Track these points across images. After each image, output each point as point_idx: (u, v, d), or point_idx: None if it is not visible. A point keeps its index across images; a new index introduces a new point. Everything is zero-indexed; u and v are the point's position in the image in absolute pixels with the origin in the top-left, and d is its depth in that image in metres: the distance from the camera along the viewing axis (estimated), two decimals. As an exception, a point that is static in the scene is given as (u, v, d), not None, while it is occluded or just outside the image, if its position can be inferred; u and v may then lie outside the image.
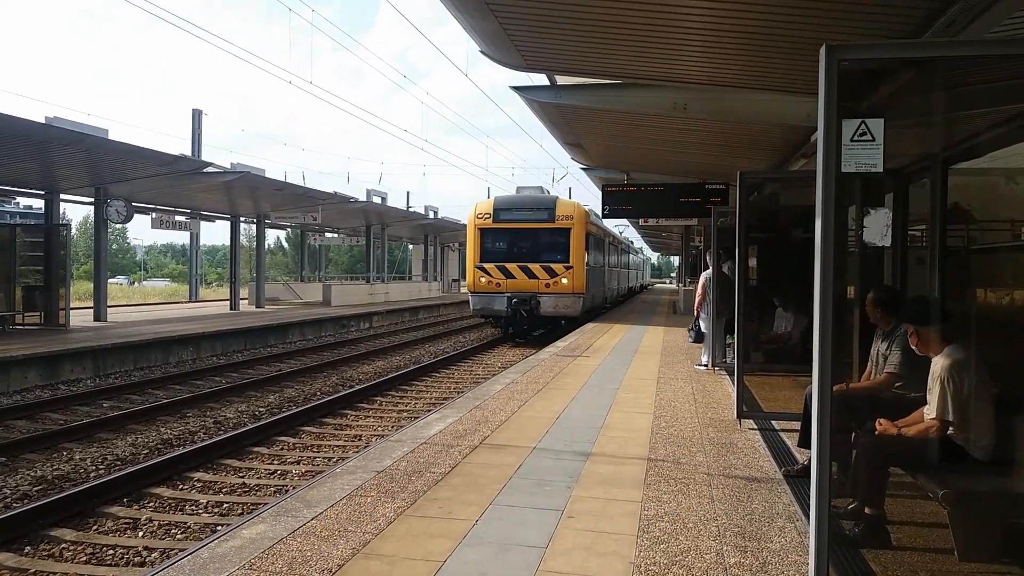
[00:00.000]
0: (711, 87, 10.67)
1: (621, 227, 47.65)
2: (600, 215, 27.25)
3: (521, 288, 22.07)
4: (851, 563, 4.19)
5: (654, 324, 22.10)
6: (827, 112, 3.50)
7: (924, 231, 6.44)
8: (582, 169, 22.86)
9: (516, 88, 12.58)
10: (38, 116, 23.25)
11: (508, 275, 22.35)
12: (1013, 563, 4.15)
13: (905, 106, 5.74)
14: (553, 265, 22.26)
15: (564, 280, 22.04)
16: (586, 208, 24.24)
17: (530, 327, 23.60)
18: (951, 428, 4.47)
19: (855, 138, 3.63)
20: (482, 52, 9.41)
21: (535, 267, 22.32)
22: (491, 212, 23.05)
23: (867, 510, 4.57)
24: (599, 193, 19.45)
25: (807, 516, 4.14)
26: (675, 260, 76.84)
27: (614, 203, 18.96)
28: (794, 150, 13.43)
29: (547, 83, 12.36)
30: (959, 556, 4.15)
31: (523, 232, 22.95)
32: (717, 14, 7.11)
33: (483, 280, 22.54)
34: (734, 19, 7.10)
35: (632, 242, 56.87)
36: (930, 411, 4.59)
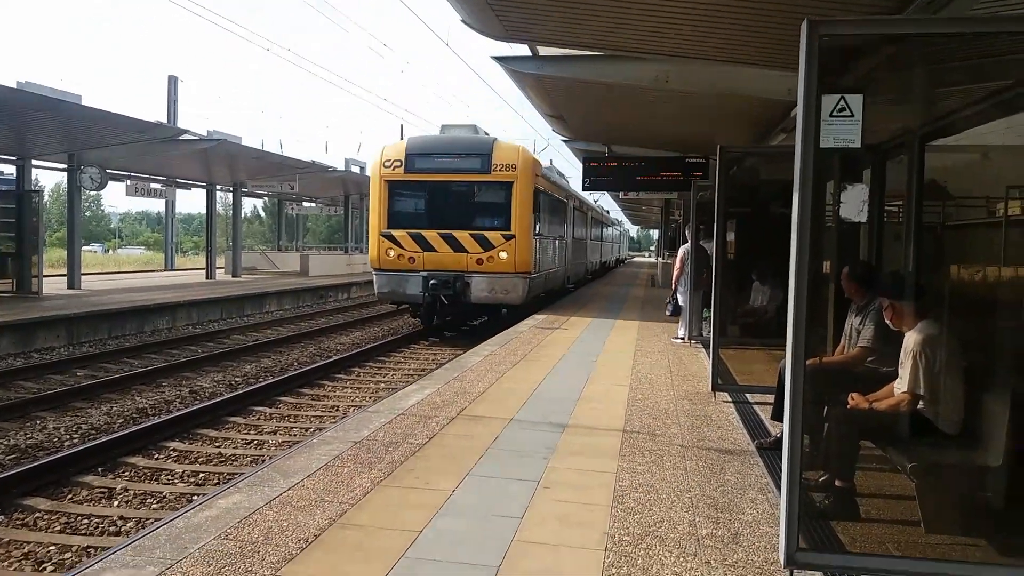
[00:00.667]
0: (693, 60, 10.64)
1: (596, 194, 41.04)
2: (558, 171, 23.71)
3: (444, 265, 16.21)
4: (821, 534, 4.26)
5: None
6: (807, 87, 3.50)
7: (900, 207, 6.48)
8: (563, 141, 22.82)
9: (497, 58, 12.49)
10: (9, 81, 22.78)
11: (425, 247, 16.39)
12: (978, 535, 4.24)
13: (884, 82, 5.75)
14: (488, 234, 16.31)
15: (503, 255, 16.15)
16: (536, 158, 18.26)
17: (456, 318, 18.43)
18: (921, 402, 4.54)
19: (834, 114, 3.64)
20: (463, 21, 9.31)
21: (463, 236, 16.31)
22: (402, 159, 16.67)
23: (837, 483, 4.65)
24: (580, 165, 19.35)
25: (779, 488, 4.21)
26: (654, 233, 76.94)
27: (595, 176, 18.93)
28: (774, 125, 13.47)
29: (529, 54, 12.28)
30: (925, 528, 4.23)
31: (447, 187, 16.90)
32: (700, -14, 7.06)
33: (391, 254, 16.57)
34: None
35: (607, 211, 51.70)
36: (901, 385, 4.66)
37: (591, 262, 34.37)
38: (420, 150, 16.84)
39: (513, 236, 16.28)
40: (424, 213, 17.00)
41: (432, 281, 16.05)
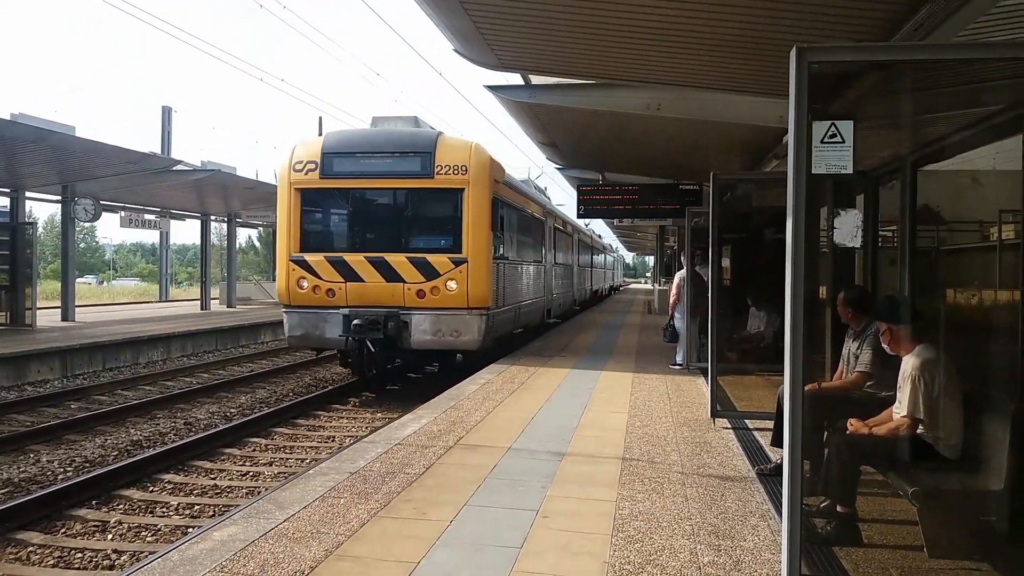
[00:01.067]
0: (685, 88, 10.73)
1: (590, 220, 37.02)
2: (535, 185, 21.31)
3: (373, 300, 12.39)
4: (823, 561, 4.23)
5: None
6: (797, 114, 3.53)
7: (894, 232, 6.52)
8: (557, 169, 22.92)
9: (491, 87, 12.58)
10: (3, 113, 22.87)
11: (349, 276, 12.54)
12: (982, 559, 4.21)
13: (875, 108, 5.81)
14: (431, 257, 12.52)
15: (452, 285, 12.40)
16: (497, 160, 13.72)
17: (393, 367, 14.03)
18: (921, 426, 4.53)
19: (825, 140, 3.67)
20: (456, 51, 9.39)
21: (398, 262, 12.48)
22: (318, 160, 12.76)
23: (839, 508, 4.62)
24: (575, 192, 19.41)
25: (780, 514, 4.18)
26: (650, 260, 77.13)
27: (589, 203, 18.99)
28: (767, 151, 13.56)
29: (522, 83, 12.38)
30: (928, 553, 4.20)
31: (376, 197, 13.39)
32: (689, 15, 7.14)
33: (304, 285, 12.61)
34: (706, 21, 7.14)
35: (600, 235, 47.05)
36: (900, 409, 4.65)
37: (580, 291, 30.54)
38: (341, 148, 12.87)
39: (465, 260, 12.47)
40: (347, 231, 13.37)
41: (355, 321, 12.07)
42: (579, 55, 9.38)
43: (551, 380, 10.90)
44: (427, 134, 13.19)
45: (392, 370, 14.16)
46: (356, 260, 12.59)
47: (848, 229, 5.23)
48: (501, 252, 14.19)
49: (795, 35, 6.86)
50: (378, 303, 12.37)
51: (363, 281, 12.52)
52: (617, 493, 5.53)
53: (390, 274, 12.48)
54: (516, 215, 16.09)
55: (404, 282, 12.42)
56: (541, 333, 18.77)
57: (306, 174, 12.84)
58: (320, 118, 20.77)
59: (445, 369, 14.63)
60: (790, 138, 3.59)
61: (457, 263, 12.48)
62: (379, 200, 13.45)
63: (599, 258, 44.49)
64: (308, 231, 13.11)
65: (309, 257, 12.71)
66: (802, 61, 3.50)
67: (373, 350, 12.24)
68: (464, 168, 12.57)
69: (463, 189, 12.58)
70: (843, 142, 3.67)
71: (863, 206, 6.86)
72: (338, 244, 13.19)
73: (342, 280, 12.54)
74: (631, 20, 7.52)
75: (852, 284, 6.90)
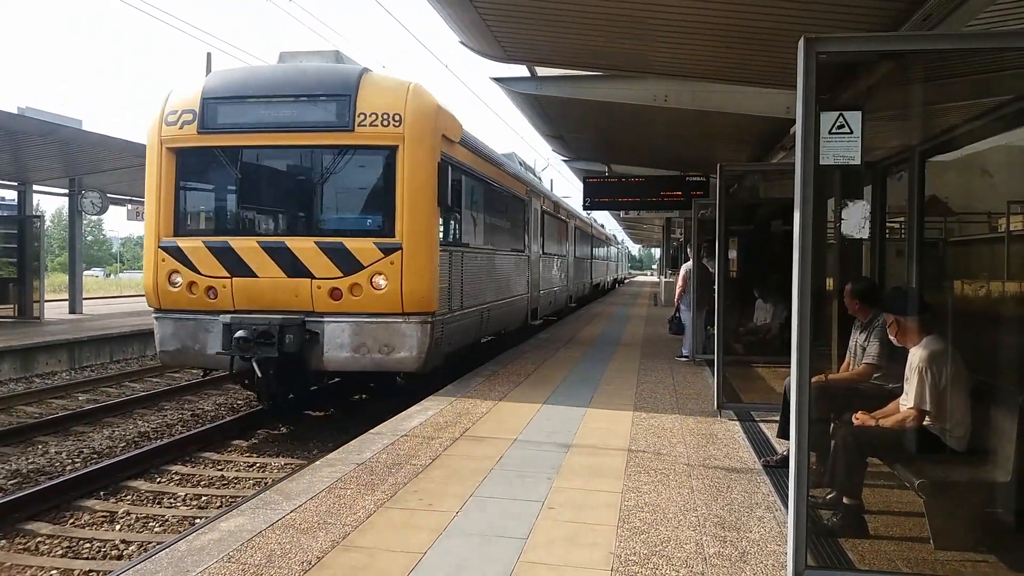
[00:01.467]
0: (692, 79, 10.69)
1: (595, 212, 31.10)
2: (520, 160, 18.10)
3: (270, 302, 9.10)
4: (829, 552, 4.23)
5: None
6: (805, 104, 3.52)
7: (902, 223, 6.49)
8: (563, 161, 22.89)
9: (497, 79, 12.56)
10: (11, 107, 22.88)
11: (237, 268, 9.17)
12: (988, 551, 4.20)
13: (883, 99, 5.79)
14: (351, 243, 9.11)
15: (380, 280, 8.99)
16: (447, 110, 10.06)
17: (299, 392, 10.32)
18: (928, 418, 4.52)
19: (833, 131, 3.66)
20: (462, 43, 9.37)
21: (304, 249, 9.11)
22: (196, 108, 9.38)
23: (845, 500, 4.62)
24: (580, 184, 19.34)
25: (786, 506, 4.18)
26: (656, 252, 77.01)
27: (595, 195, 18.91)
28: (774, 142, 13.50)
29: (527, 75, 12.35)
30: (935, 544, 4.20)
31: (275, 159, 9.81)
32: (698, 6, 7.11)
33: (177, 281, 9.33)
34: (713, 11, 7.11)
35: (603, 224, 42.85)
36: (907, 401, 4.64)
37: (576, 285, 26.69)
38: (226, 92, 9.37)
39: (398, 247, 8.92)
40: (234, 207, 9.76)
41: (239, 332, 8.60)
42: (586, 47, 9.35)
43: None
44: (345, 71, 9.48)
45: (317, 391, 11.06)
46: (246, 247, 9.05)
47: (855, 220, 5.20)
48: (456, 236, 10.85)
49: (803, 26, 6.82)
50: (276, 307, 8.94)
51: (255, 276, 8.98)
52: (623, 484, 5.54)
53: (293, 266, 8.95)
54: (482, 189, 12.53)
55: (313, 277, 8.89)
56: (517, 342, 14.99)
57: (181, 128, 9.29)
58: (208, 54, 16.45)
59: (390, 393, 10.65)
60: (798, 129, 3.57)
61: (388, 251, 8.89)
62: (279, 163, 9.74)
63: (600, 249, 40.11)
64: (183, 207, 9.65)
65: (184, 243, 9.25)
66: (810, 51, 3.49)
67: (260, 374, 8.79)
68: (398, 118, 8.96)
69: (396, 147, 8.98)
70: (851, 133, 3.66)
71: (871, 197, 6.83)
72: (222, 225, 9.74)
73: (227, 275, 9.06)
74: (639, 11, 7.50)
75: (859, 276, 6.88)
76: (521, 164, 18.85)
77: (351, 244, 8.98)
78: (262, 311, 8.94)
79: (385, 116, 9.00)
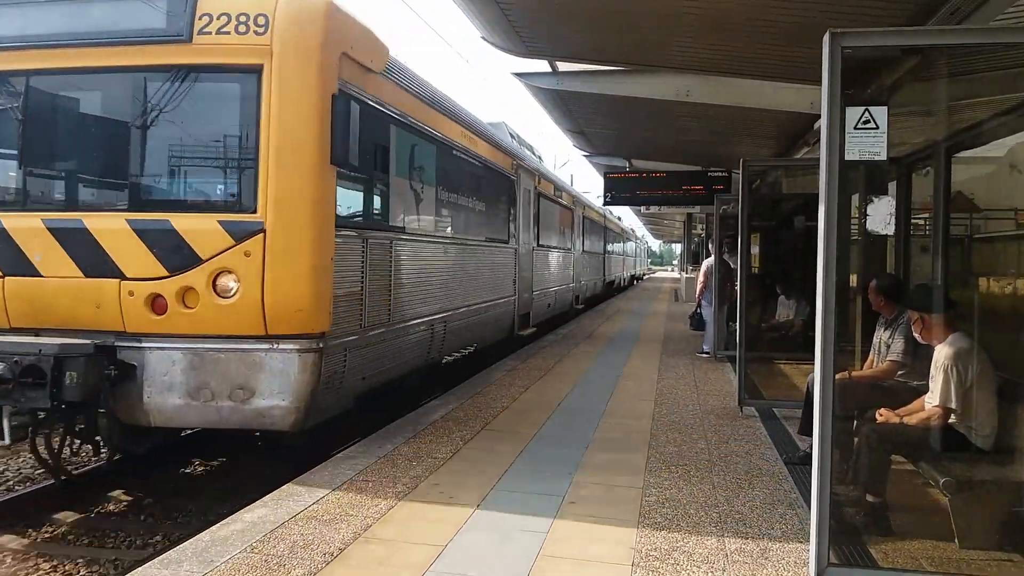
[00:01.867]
0: (714, 74, 10.63)
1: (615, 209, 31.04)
2: (511, 132, 15.33)
3: (63, 317, 5.75)
4: (852, 550, 4.21)
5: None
6: (830, 99, 3.50)
7: (928, 219, 6.43)
8: (584, 156, 22.82)
9: (518, 74, 12.55)
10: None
11: (13, 263, 5.82)
12: (1013, 551, 4.16)
13: (908, 94, 5.72)
14: (184, 221, 5.72)
15: (229, 281, 5.59)
16: (351, 17, 6.33)
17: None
18: (953, 416, 4.48)
19: (859, 126, 3.63)
20: (483, 38, 9.37)
21: (111, 230, 5.74)
22: None
23: (868, 497, 4.59)
24: (601, 180, 19.27)
25: (808, 503, 4.16)
26: (677, 248, 76.67)
27: (616, 190, 18.87)
28: (798, 137, 13.41)
29: (548, 70, 12.33)
30: (959, 543, 4.16)
31: (73, 89, 6.12)
32: (722, 0, 7.07)
33: None
34: (739, 6, 7.07)
35: (619, 217, 39.20)
36: (932, 399, 4.60)
37: (585, 284, 22.87)
38: None
39: (259, 227, 5.66)
40: (7, 167, 6.28)
41: None
42: (608, 42, 9.32)
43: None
44: None
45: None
46: (23, 227, 5.92)
47: (881, 217, 5.15)
48: (380, 215, 7.42)
49: (828, 21, 6.76)
50: (74, 324, 5.79)
51: (38, 275, 5.84)
52: (644, 480, 5.53)
53: (94, 259, 5.78)
54: (433, 150, 8.81)
55: (123, 278, 5.72)
56: (499, 357, 11.94)
57: None
58: None
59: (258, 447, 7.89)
60: (823, 124, 3.55)
61: (241, 234, 5.66)
62: (75, 96, 6.25)
63: (617, 245, 35.62)
64: None
65: None
66: (835, 46, 3.46)
67: (28, 433, 6.05)
68: (262, 22, 5.71)
69: (260, 67, 5.72)
70: (877, 128, 3.63)
71: (895, 193, 6.76)
72: None
73: None
74: (662, 6, 7.47)
75: (884, 272, 6.82)
76: (513, 137, 15.47)
77: (182, 223, 5.73)
78: (45, 328, 5.81)
79: (242, 19, 5.71)
